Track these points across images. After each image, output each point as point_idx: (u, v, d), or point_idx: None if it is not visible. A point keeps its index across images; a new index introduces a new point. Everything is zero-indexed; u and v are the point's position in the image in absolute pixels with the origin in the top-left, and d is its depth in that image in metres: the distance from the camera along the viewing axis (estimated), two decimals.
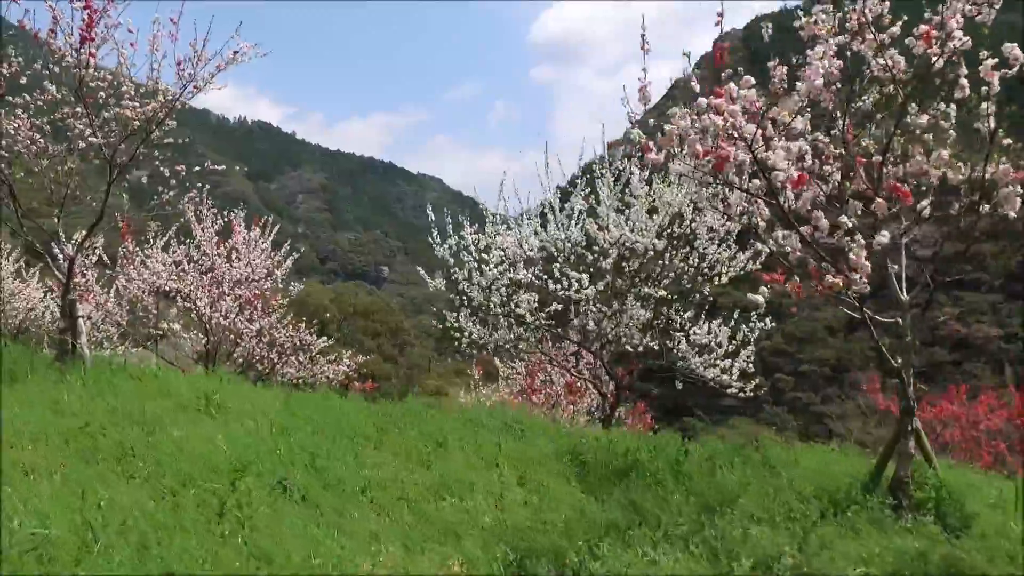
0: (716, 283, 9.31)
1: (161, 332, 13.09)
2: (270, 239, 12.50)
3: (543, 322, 8.45)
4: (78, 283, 11.53)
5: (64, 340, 7.86)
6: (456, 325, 9.26)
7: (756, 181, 4.80)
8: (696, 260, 8.78)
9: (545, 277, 8.43)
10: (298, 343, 13.21)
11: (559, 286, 8.34)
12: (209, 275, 11.48)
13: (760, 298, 4.94)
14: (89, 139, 7.37)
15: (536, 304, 8.33)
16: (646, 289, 8.09)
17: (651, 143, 4.95)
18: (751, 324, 9.22)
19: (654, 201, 8.58)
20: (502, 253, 8.51)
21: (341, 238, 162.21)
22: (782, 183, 4.57)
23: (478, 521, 4.15)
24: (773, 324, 9.41)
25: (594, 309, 8.29)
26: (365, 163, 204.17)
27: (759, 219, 5.10)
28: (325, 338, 13.41)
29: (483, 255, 8.68)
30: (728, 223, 8.62)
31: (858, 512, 4.55)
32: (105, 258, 12.18)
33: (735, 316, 10.17)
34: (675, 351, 9.46)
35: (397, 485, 4.62)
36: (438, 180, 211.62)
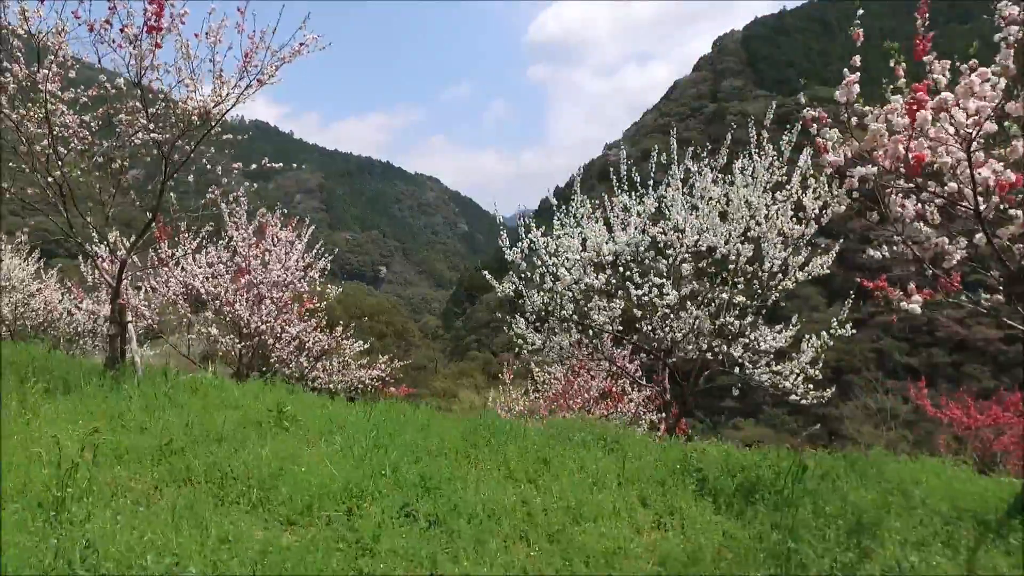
0: (784, 288, 8.99)
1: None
2: (305, 240, 12.10)
3: (615, 329, 8.10)
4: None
5: (114, 347, 7.45)
6: (519, 332, 8.89)
7: (952, 184, 4.46)
8: (770, 265, 8.46)
9: (622, 283, 8.07)
10: (325, 347, 12.80)
11: (641, 292, 7.98)
12: (246, 278, 11.09)
13: (916, 307, 4.62)
14: (148, 135, 6.95)
15: (619, 311, 7.96)
16: (723, 295, 7.74)
17: (827, 143, 4.61)
18: (829, 329, 8.89)
19: (727, 203, 8.24)
20: (578, 258, 8.12)
21: (338, 238, 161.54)
22: (989, 185, 4.20)
23: (629, 549, 3.79)
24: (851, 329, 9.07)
25: (671, 315, 7.94)
26: (362, 163, 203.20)
27: (932, 220, 4.77)
28: (361, 342, 13.01)
29: (553, 259, 8.28)
30: (803, 228, 8.33)
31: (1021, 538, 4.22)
32: (136, 260, 11.73)
33: (797, 321, 9.87)
34: (737, 357, 9.14)
35: (520, 508, 4.25)
36: (435, 180, 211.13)
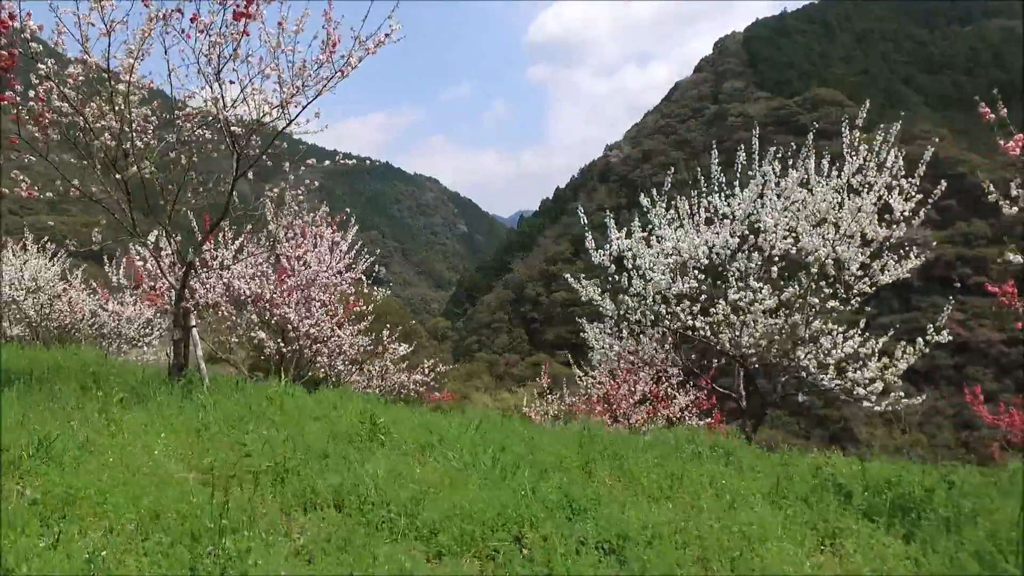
0: (863, 292, 8.69)
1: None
2: (348, 239, 11.69)
3: (703, 332, 7.76)
4: (155, 286, 10.72)
5: (179, 353, 7.06)
6: (596, 335, 8.55)
7: None
8: (853, 267, 8.14)
9: (715, 287, 7.74)
10: (370, 351, 12.40)
11: (739, 296, 7.65)
12: (291, 279, 10.71)
13: None
14: (227, 129, 6.57)
15: (721, 315, 7.62)
16: (814, 300, 7.41)
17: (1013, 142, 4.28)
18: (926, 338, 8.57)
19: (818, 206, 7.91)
20: (671, 260, 7.78)
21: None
22: None
23: None
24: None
25: (763, 320, 7.62)
26: (362, 163, 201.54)
27: None
28: (406, 346, 12.62)
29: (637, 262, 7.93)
30: (890, 231, 8.02)
31: None
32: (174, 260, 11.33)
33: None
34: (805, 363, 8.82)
35: (687, 532, 3.90)
36: (435, 180, 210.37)
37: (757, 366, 8.34)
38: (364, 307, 11.51)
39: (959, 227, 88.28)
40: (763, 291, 7.57)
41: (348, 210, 11.92)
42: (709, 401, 14.28)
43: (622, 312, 8.18)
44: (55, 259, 15.12)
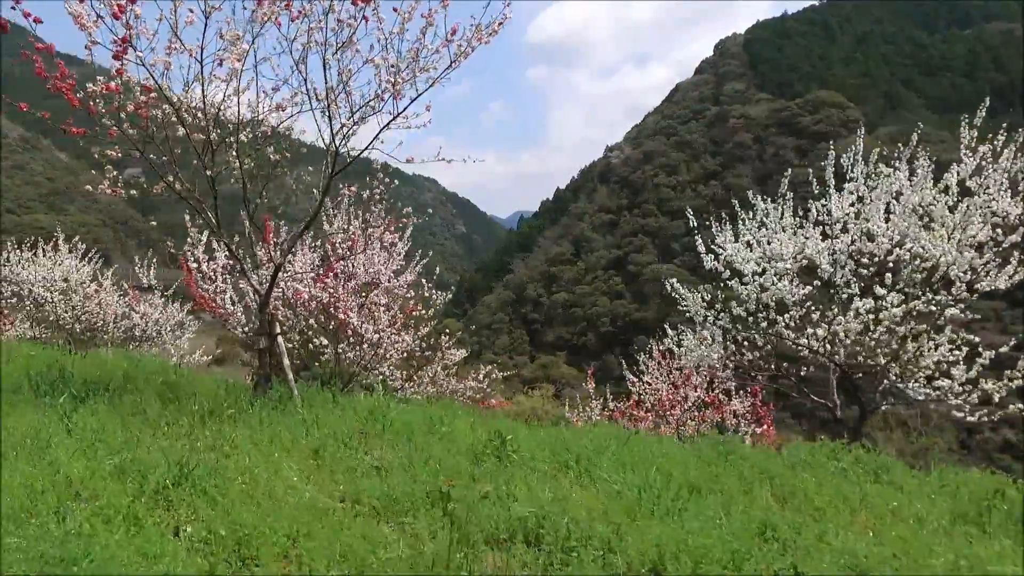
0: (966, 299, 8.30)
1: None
2: (405, 240, 11.22)
3: (811, 341, 7.37)
4: (209, 289, 10.24)
5: (264, 363, 6.59)
6: (693, 344, 8.15)
7: None
8: (958, 273, 7.76)
9: (834, 294, 7.35)
10: (419, 355, 11.93)
11: (863, 303, 7.25)
12: (351, 283, 10.25)
13: None
14: (332, 120, 6.13)
15: (854, 325, 7.21)
16: (932, 307, 7.04)
17: None
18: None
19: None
20: (784, 266, 7.37)
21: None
22: None
23: None
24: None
25: (883, 329, 7.23)
26: (360, 163, 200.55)
27: None
28: (463, 351, 12.17)
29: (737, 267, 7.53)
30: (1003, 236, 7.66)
31: None
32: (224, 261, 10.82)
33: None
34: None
35: (928, 566, 3.49)
36: (433, 181, 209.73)
37: (860, 375, 7.96)
38: (423, 311, 11.06)
39: None
40: (890, 298, 7.18)
41: (409, 210, 11.46)
42: (764, 408, 13.92)
43: (719, 320, 7.77)
44: (85, 259, 14.62)
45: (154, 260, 15.55)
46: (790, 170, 8.13)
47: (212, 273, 10.10)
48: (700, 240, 8.11)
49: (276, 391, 6.50)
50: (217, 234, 6.69)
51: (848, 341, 7.42)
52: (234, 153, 6.40)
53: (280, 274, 9.89)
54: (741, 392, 13.93)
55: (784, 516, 4.15)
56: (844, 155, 8.58)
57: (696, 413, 13.84)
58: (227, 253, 7.00)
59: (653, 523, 3.70)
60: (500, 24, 5.99)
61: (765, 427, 13.57)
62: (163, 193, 6.51)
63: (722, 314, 7.85)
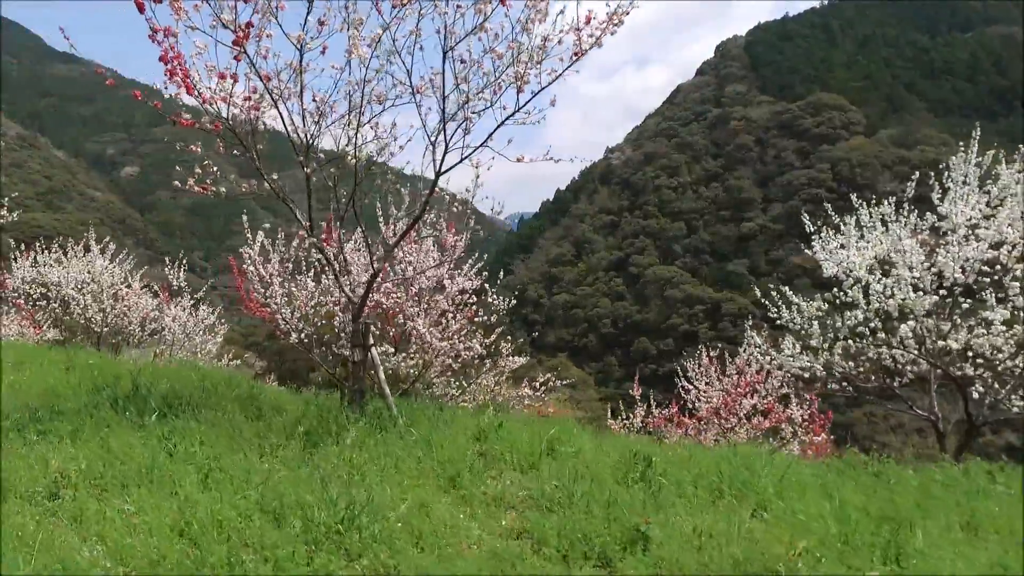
0: None
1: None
2: (463, 242, 10.66)
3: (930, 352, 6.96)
4: (265, 293, 9.72)
5: (358, 376, 6.09)
6: (790, 353, 7.71)
7: None
8: None
9: (960, 302, 6.93)
10: (485, 363, 11.36)
11: (997, 313, 6.85)
12: (413, 287, 9.75)
13: None
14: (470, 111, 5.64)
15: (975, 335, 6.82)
16: None
17: None
18: None
19: None
20: (916, 275, 6.93)
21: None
22: None
23: None
24: None
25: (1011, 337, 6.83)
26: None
27: None
28: (523, 358, 11.67)
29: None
30: None
31: None
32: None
33: None
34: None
35: None
36: (429, 180, 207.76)
37: (980, 388, 7.55)
38: (486, 316, 10.56)
39: None
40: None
41: (469, 211, 10.96)
42: (824, 417, 13.50)
43: (836, 328, 7.33)
44: (115, 260, 14.07)
45: (183, 262, 15.02)
46: (916, 175, 7.63)
47: (268, 276, 9.58)
48: (819, 246, 7.67)
49: (372, 406, 6.01)
50: (310, 236, 6.19)
51: (986, 351, 7.01)
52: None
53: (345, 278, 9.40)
54: (798, 402, 13.53)
55: None
56: (954, 160, 8.04)
57: (746, 421, 13.44)
58: (320, 257, 6.49)
59: (887, 567, 3.25)
60: (627, 12, 5.52)
61: (822, 437, 13.16)
62: (252, 192, 6.02)
63: (838, 322, 7.42)
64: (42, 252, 13.73)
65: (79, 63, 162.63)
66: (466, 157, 5.88)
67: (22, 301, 13.13)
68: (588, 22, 5.21)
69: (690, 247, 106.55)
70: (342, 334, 9.66)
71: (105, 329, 13.63)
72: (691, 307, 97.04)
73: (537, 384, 11.76)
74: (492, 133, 5.62)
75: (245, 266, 9.54)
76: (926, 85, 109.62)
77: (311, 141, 5.83)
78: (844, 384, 8.23)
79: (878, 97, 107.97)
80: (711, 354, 14.08)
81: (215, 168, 5.96)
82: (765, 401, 12.81)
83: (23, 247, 13.35)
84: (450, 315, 9.61)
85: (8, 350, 8.34)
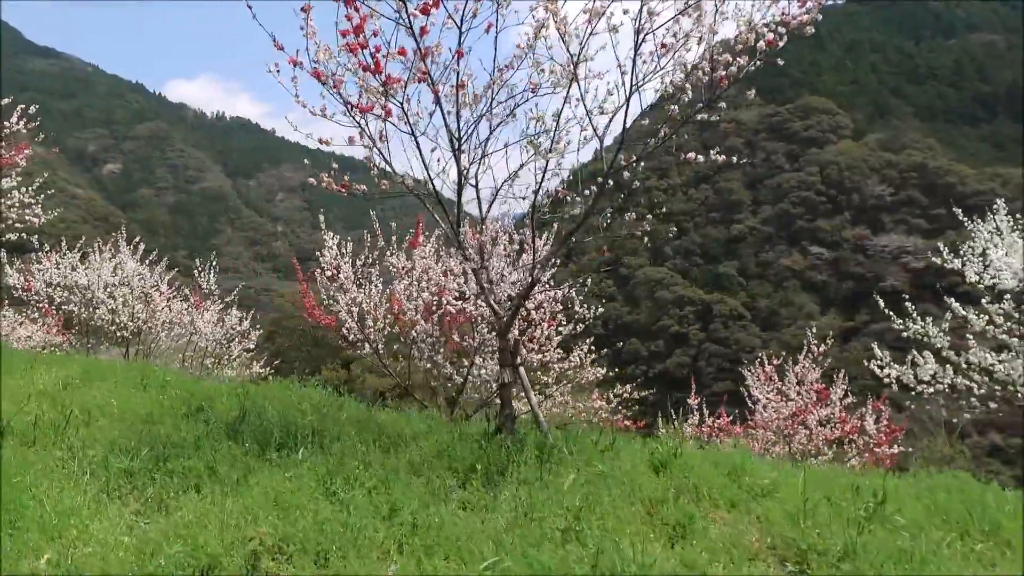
0: None
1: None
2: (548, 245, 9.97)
3: None
4: (343, 301, 8.95)
5: (507, 399, 5.38)
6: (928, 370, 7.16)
7: None
8: None
9: None
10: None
11: None
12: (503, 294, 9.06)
13: None
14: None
15: None
16: None
17: None
18: None
19: None
20: None
21: (320, 237, 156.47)
22: None
23: None
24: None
25: None
26: (345, 162, 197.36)
27: None
28: (602, 369, 10.95)
29: None
30: None
31: None
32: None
33: None
34: None
35: None
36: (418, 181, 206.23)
37: None
38: (572, 327, 9.84)
39: (949, 236, 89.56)
40: None
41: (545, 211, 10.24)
42: (897, 428, 13.05)
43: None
44: (145, 263, 13.17)
45: (214, 265, 14.17)
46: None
47: (342, 282, 8.83)
48: (972, 258, 7.15)
49: (525, 435, 5.32)
50: (454, 240, 5.48)
51: None
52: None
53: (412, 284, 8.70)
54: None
55: None
56: None
57: (806, 431, 12.94)
58: (467, 265, 5.77)
59: None
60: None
61: (894, 449, 12.69)
62: (391, 191, 5.31)
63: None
64: (62, 254, 12.80)
65: (59, 58, 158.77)
66: (654, 148, 5.21)
67: (48, 306, 12.17)
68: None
69: (680, 248, 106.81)
70: (422, 345, 8.93)
71: (132, 335, 12.73)
72: (681, 308, 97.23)
73: (611, 396, 11.12)
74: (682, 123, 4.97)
75: (320, 271, 8.80)
76: (912, 90, 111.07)
77: (461, 136, 5.12)
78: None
79: (865, 101, 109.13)
80: (773, 362, 13.58)
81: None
82: (836, 412, 12.34)
83: (46, 248, 12.38)
84: (542, 324, 8.93)
85: (65, 363, 7.49)
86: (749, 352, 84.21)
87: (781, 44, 4.80)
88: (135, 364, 8.30)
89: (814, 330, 13.58)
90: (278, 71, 5.38)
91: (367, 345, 8.98)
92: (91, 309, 12.46)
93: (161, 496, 3.66)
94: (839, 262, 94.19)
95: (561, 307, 10.01)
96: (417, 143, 5.04)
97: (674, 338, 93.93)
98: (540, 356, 8.68)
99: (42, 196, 10.10)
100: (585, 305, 9.89)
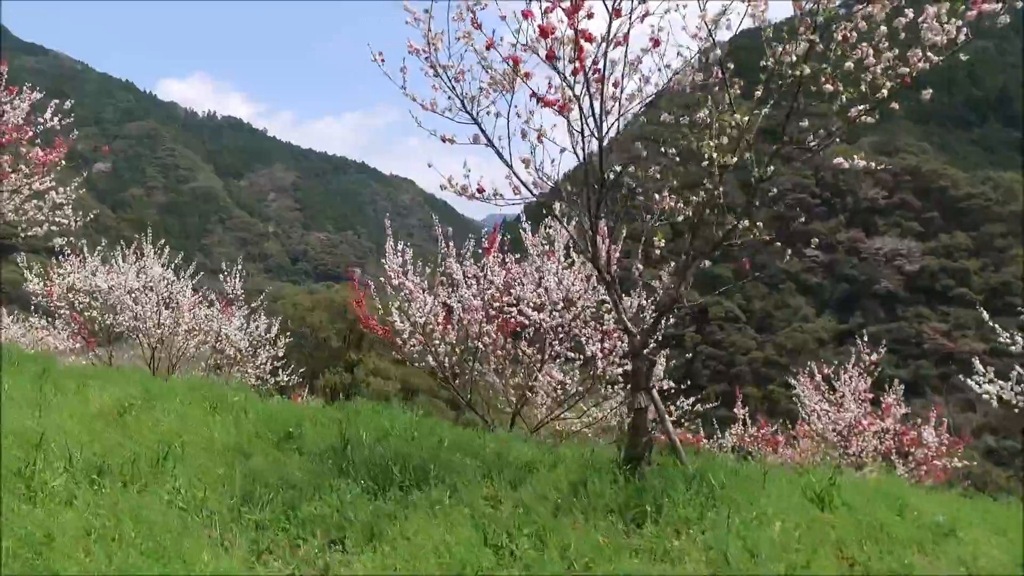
0: None
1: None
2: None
3: None
4: (414, 309, 8.38)
5: (641, 427, 4.83)
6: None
7: None
8: None
9: None
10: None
11: None
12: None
13: None
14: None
15: None
16: None
17: None
18: None
19: None
20: None
21: (312, 238, 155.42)
22: None
23: None
24: None
25: None
26: (337, 163, 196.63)
27: None
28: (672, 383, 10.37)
29: None
30: None
31: None
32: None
33: None
34: None
35: None
36: (410, 182, 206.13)
37: None
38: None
39: (942, 239, 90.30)
40: None
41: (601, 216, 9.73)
42: (959, 441, 12.66)
43: None
44: (172, 266, 12.51)
45: (241, 268, 13.54)
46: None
47: (411, 290, 8.26)
48: None
49: (661, 464, 4.79)
50: (579, 246, 4.95)
51: None
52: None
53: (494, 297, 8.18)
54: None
55: None
56: None
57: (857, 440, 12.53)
58: (601, 276, 5.22)
59: None
60: None
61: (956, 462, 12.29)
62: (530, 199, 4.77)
63: None
64: (81, 259, 12.12)
65: (47, 55, 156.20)
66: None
67: (73, 312, 11.48)
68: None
69: (675, 251, 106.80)
70: (492, 357, 8.39)
71: (158, 342, 12.08)
72: (676, 310, 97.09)
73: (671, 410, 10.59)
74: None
75: (390, 280, 8.23)
76: (905, 94, 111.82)
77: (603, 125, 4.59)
78: None
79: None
80: (823, 371, 13.15)
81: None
82: (904, 427, 11.96)
83: (67, 251, 11.70)
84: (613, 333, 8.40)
85: (117, 379, 6.86)
86: (744, 354, 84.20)
87: None
88: (195, 381, 7.68)
89: (866, 338, 13.19)
90: (383, 61, 4.90)
91: (430, 358, 8.41)
92: (114, 315, 11.80)
93: (314, 557, 3.09)
94: (834, 265, 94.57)
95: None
96: (583, 144, 4.51)
97: (669, 340, 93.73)
98: (619, 370, 8.15)
99: (68, 197, 9.44)
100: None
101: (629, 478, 4.55)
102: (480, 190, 4.69)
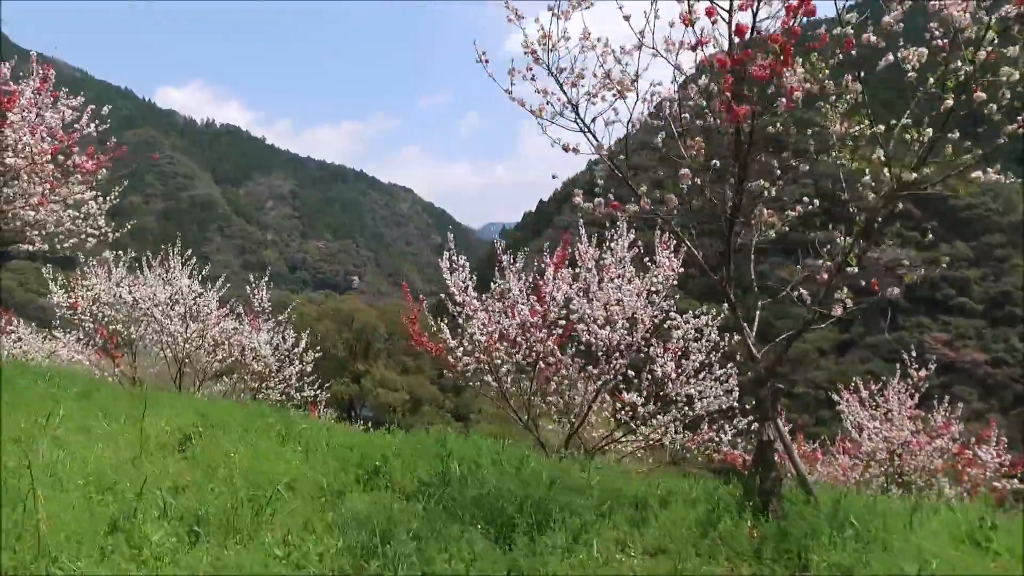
0: None
1: None
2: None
3: None
4: (477, 327, 7.97)
5: (769, 461, 4.41)
6: None
7: None
8: None
9: None
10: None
11: None
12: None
13: None
14: None
15: None
16: None
17: None
18: None
19: None
20: None
21: (311, 246, 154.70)
22: None
23: None
24: None
25: None
26: (335, 171, 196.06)
27: None
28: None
29: None
30: None
31: None
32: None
33: None
34: None
35: None
36: (409, 191, 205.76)
37: None
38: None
39: (942, 248, 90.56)
40: None
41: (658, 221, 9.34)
42: (1019, 463, 12.23)
43: None
44: (197, 277, 12.07)
45: (268, 281, 13.11)
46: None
47: (473, 309, 7.85)
48: None
49: (798, 502, 4.39)
50: (719, 273, 4.58)
51: None
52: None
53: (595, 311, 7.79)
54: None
55: None
56: None
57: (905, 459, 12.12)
58: (728, 297, 4.82)
59: None
60: None
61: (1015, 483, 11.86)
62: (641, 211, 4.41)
63: None
64: (107, 270, 11.67)
65: (46, 62, 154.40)
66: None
67: (99, 326, 11.00)
68: None
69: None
70: (557, 378, 7.98)
71: (185, 356, 11.62)
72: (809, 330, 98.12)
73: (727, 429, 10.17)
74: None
75: (452, 296, 7.83)
76: (902, 104, 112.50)
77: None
78: None
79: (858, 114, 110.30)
80: (869, 387, 12.75)
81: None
82: (961, 447, 11.54)
83: (93, 263, 11.25)
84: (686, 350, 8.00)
85: (170, 403, 6.40)
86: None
87: None
88: (253, 408, 7.22)
89: (914, 352, 12.78)
90: (487, 62, 4.59)
91: (488, 377, 7.99)
92: (138, 328, 11.35)
93: None
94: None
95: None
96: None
97: None
98: (693, 390, 7.75)
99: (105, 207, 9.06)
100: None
101: (760, 517, 4.15)
102: (615, 206, 4.33)
